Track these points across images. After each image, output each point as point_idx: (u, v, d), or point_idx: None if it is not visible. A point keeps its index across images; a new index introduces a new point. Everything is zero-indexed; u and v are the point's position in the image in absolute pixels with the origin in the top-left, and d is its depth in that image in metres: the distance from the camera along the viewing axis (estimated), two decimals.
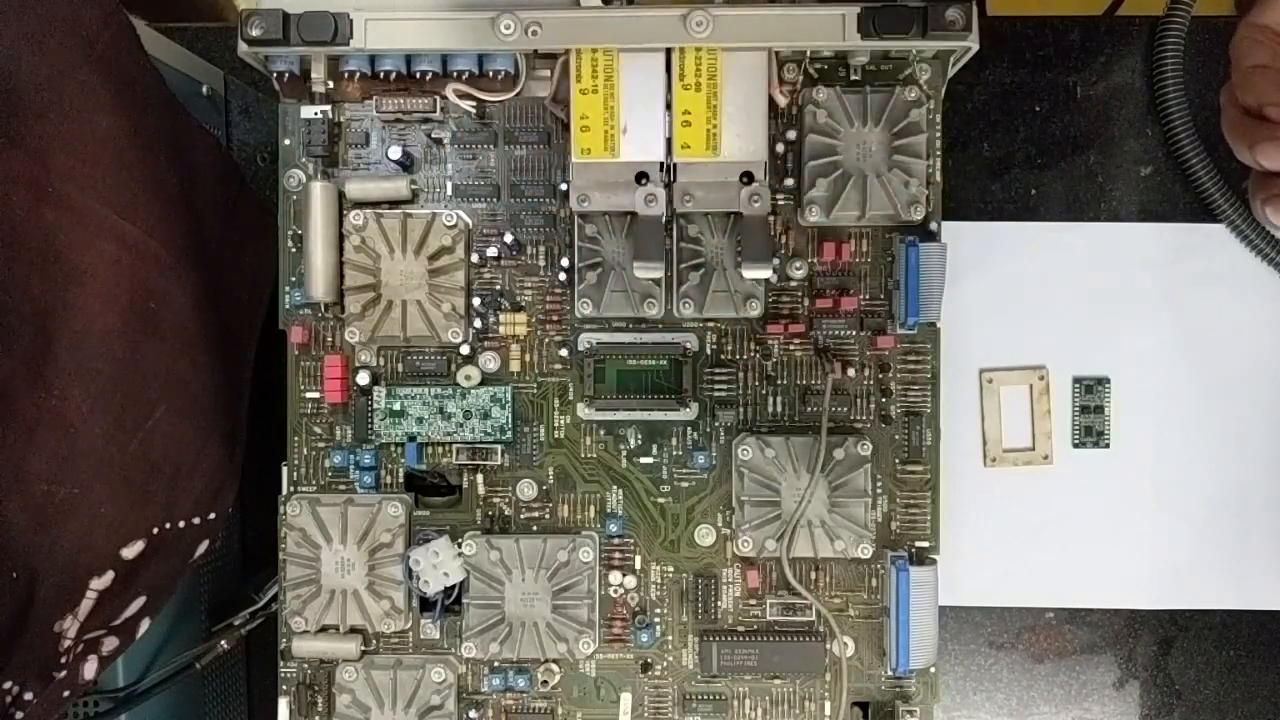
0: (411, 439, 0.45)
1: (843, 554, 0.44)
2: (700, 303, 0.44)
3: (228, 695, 0.54)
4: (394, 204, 0.44)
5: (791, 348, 0.45)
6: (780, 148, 0.44)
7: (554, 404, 0.45)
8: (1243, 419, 0.54)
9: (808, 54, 0.43)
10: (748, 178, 0.42)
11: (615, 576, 0.45)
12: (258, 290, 0.49)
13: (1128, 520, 0.54)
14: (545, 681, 0.45)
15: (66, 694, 0.40)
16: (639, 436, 0.45)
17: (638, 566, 0.45)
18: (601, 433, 0.45)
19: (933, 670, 0.45)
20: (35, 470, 0.37)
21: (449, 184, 0.45)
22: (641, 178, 0.42)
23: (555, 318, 0.45)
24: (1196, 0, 0.52)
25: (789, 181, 0.44)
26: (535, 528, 0.45)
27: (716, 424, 0.45)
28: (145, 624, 0.43)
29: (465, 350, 0.45)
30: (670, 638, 0.45)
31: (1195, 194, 0.53)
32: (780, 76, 0.43)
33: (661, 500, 0.45)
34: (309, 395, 0.45)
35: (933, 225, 0.44)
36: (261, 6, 0.41)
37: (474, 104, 0.44)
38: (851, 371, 0.45)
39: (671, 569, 0.45)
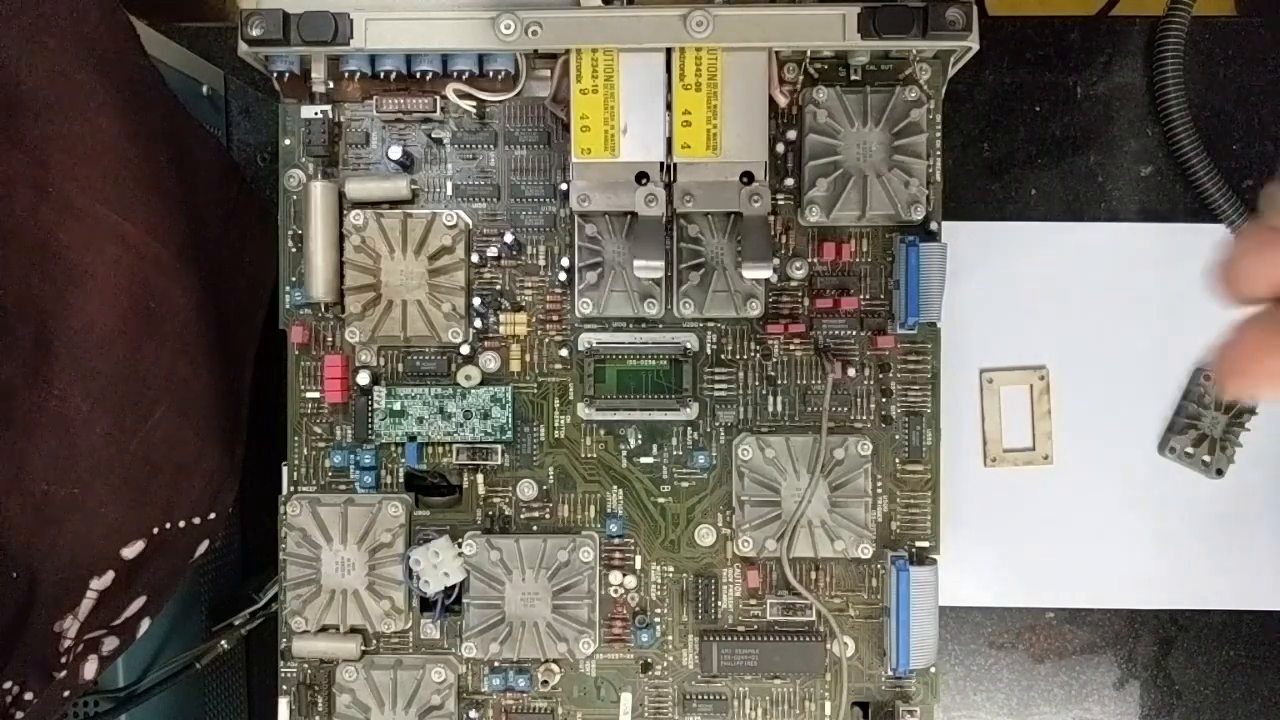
0: (411, 439, 0.45)
1: (843, 554, 0.44)
2: (700, 303, 0.44)
3: (228, 695, 0.54)
4: (394, 204, 0.44)
5: (791, 348, 0.45)
6: (780, 148, 0.44)
7: (554, 404, 0.45)
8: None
9: (808, 54, 0.43)
10: (748, 178, 0.42)
11: (615, 576, 0.45)
12: (258, 290, 0.49)
13: (1128, 520, 0.54)
14: (545, 681, 0.45)
15: (66, 694, 0.40)
16: (639, 436, 0.45)
17: (638, 566, 0.45)
18: (601, 433, 0.45)
19: (933, 670, 0.45)
20: (35, 470, 0.37)
21: (449, 184, 0.45)
22: (641, 178, 0.42)
23: (555, 318, 0.45)
24: (1196, 0, 0.52)
25: (789, 181, 0.44)
26: (535, 528, 0.45)
27: (716, 424, 0.45)
28: (145, 624, 0.43)
29: (465, 350, 0.45)
30: (670, 638, 0.45)
31: (1195, 194, 0.53)
32: (780, 76, 0.43)
33: (661, 500, 0.45)
34: (309, 395, 0.45)
35: (933, 225, 0.44)
36: (261, 6, 0.41)
37: (474, 104, 0.44)
38: (851, 371, 0.45)
39: (672, 569, 0.45)
